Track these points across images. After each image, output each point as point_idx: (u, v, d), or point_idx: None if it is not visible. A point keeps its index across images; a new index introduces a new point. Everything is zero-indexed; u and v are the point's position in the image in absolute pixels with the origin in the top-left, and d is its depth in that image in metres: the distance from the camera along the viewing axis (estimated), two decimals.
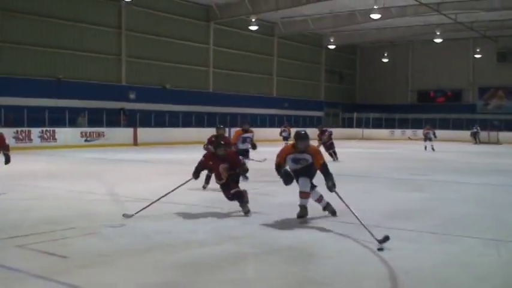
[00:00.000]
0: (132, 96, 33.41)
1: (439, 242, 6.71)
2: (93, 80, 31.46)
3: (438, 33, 41.21)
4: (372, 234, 6.29)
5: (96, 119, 29.68)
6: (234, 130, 32.82)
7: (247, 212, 8.18)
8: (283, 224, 7.64)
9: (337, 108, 51.89)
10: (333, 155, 19.91)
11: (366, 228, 6.52)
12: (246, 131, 13.49)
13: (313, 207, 8.10)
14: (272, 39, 44.27)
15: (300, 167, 7.97)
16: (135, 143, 30.22)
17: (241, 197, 8.26)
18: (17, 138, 25.39)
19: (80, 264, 5.46)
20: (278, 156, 8.04)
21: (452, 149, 29.34)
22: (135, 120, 31.64)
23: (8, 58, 27.94)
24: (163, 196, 8.32)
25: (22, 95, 27.37)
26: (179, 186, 8.53)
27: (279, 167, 7.98)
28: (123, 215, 7.74)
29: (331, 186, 7.44)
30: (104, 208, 8.42)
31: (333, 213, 8.16)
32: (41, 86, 28.64)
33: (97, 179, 13.50)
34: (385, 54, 50.37)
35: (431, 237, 6.94)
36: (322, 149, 19.19)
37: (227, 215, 8.17)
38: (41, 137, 26.45)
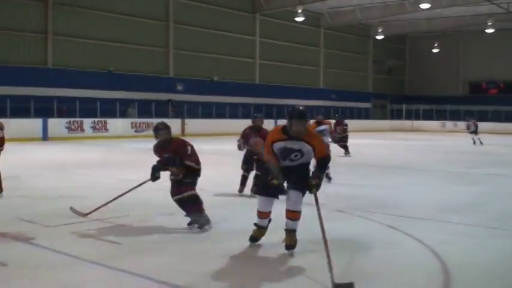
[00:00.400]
0: (179, 88, 33.81)
1: (493, 236, 6.55)
2: (142, 72, 31.97)
3: (490, 23, 40.14)
4: (332, 273, 4.64)
5: (146, 110, 30.20)
6: (280, 122, 33.16)
7: (202, 225, 6.53)
8: (331, 215, 7.59)
9: (385, 99, 51.14)
10: (346, 148, 18.25)
11: (329, 264, 4.74)
12: (320, 123, 11.84)
13: (356, 198, 7.98)
14: (318, 30, 43.97)
15: (290, 165, 5.58)
16: (183, 134, 30.54)
17: (194, 203, 6.59)
18: (69, 129, 26.14)
19: (132, 251, 5.59)
20: (265, 146, 5.78)
21: (504, 142, 28.54)
22: (182, 111, 32.02)
23: (60, 50, 28.69)
24: (119, 196, 7.38)
25: (74, 87, 28.06)
26: (137, 187, 7.35)
27: (270, 162, 5.61)
28: (71, 208, 7.22)
29: (316, 186, 5.39)
30: (155, 197, 8.54)
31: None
32: (93, 78, 29.30)
33: (147, 168, 13.70)
34: (435, 45, 49.32)
35: (485, 232, 6.79)
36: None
37: (278, 204, 8.12)
38: (93, 128, 27.09)
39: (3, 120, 25.68)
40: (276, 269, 5.10)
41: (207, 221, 6.56)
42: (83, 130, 26.62)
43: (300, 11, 36.22)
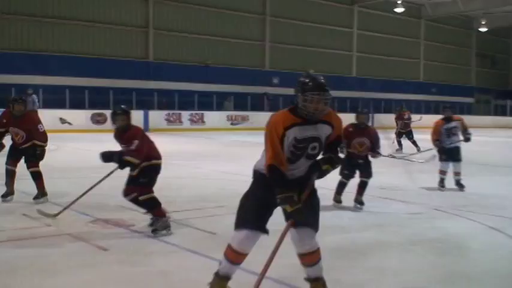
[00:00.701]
0: (275, 81, 33.98)
1: None
2: (238, 65, 32.42)
3: None
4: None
5: (241, 103, 30.63)
6: (377, 116, 32.59)
7: (154, 231, 5.86)
8: (429, 214, 7.36)
9: (488, 94, 48.81)
10: (415, 144, 16.56)
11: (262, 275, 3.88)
12: (450, 120, 9.67)
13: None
14: (419, 22, 42.66)
15: (302, 172, 3.85)
16: None
17: (151, 207, 6.06)
18: (168, 121, 27.01)
19: (227, 242, 5.64)
20: (269, 140, 3.72)
21: None
22: (278, 104, 32.14)
23: (160, 45, 29.71)
24: (88, 190, 6.68)
25: (173, 80, 28.94)
26: (106, 176, 6.49)
27: (277, 171, 3.68)
28: (38, 211, 6.55)
29: (325, 172, 3.84)
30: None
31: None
32: (191, 71, 30.08)
33: (243, 161, 13.84)
34: None
35: None
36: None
37: (372, 202, 7.98)
38: (191, 120, 27.82)
39: (107, 113, 26.97)
40: (370, 264, 4.99)
41: (164, 227, 5.90)
42: (181, 122, 27.40)
43: (399, 1, 35.34)
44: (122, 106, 6.37)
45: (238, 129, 28.38)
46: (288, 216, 3.75)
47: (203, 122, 28.14)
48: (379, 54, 39.73)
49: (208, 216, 6.78)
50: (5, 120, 7.47)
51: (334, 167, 3.87)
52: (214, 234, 5.94)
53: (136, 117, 25.39)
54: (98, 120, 24.79)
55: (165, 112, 27.26)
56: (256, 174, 3.93)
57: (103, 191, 8.46)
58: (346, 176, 7.65)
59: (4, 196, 7.52)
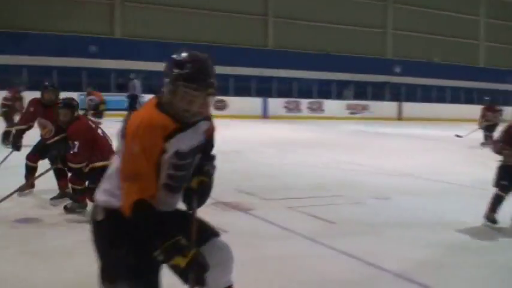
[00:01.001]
0: (397, 69, 33.10)
1: None
2: (358, 53, 31.92)
3: None
4: None
5: (361, 92, 30.16)
6: (508, 110, 30.71)
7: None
8: None
9: None
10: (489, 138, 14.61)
11: None
12: None
13: None
14: None
15: (177, 201, 2.61)
16: (400, 117, 29.91)
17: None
18: (287, 108, 27.23)
19: (345, 231, 5.57)
20: (142, 163, 2.30)
21: None
22: (400, 94, 31.31)
23: (280, 32, 29.99)
24: (15, 191, 6.05)
25: (293, 68, 29.07)
26: (40, 175, 6.25)
27: (150, 210, 2.31)
28: None
29: (202, 191, 2.55)
30: (368, 180, 8.48)
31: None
32: (310, 59, 30.04)
33: (362, 150, 13.67)
34: None
35: None
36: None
37: (485, 199, 7.49)
38: (309, 108, 27.83)
39: (227, 99, 27.51)
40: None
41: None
42: (299, 110, 27.50)
43: None
44: (68, 99, 5.96)
45: (357, 119, 27.99)
46: (184, 272, 2.33)
47: (322, 110, 28.04)
48: (507, 44, 37.43)
49: (326, 204, 6.73)
50: (32, 109, 6.69)
51: (211, 175, 2.60)
52: (332, 223, 5.86)
53: (256, 104, 26.12)
54: (218, 106, 25.49)
55: (284, 100, 27.48)
56: (112, 214, 2.43)
57: (223, 174, 8.70)
58: (506, 188, 5.91)
59: (21, 190, 6.35)
